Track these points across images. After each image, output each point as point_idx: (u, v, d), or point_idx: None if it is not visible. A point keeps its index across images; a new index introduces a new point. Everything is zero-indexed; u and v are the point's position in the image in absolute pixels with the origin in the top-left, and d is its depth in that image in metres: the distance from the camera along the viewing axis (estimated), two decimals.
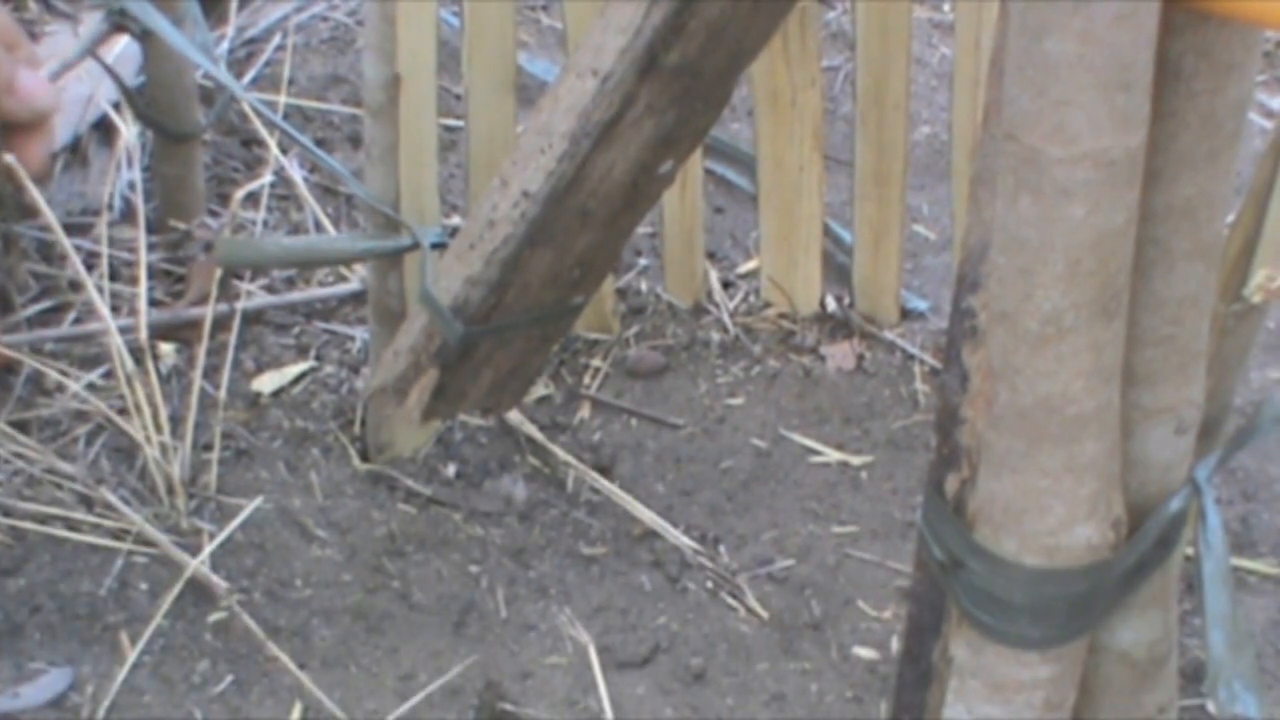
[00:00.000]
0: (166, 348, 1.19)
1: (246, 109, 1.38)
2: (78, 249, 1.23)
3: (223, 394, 1.14)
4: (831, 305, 1.30)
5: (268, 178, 1.34)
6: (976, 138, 0.68)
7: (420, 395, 1.07)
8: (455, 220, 1.28)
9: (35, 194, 0.99)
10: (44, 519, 1.05)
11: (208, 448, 1.11)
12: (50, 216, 1.02)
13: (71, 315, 1.21)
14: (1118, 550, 0.69)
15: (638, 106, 0.93)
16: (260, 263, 1.23)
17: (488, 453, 1.12)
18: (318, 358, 1.21)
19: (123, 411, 1.12)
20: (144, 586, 1.01)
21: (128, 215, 1.26)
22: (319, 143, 1.41)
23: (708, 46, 0.92)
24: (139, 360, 1.09)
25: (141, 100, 1.25)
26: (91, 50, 1.18)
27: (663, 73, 0.91)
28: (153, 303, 1.20)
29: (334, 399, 1.17)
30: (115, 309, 1.18)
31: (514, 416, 1.14)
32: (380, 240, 1.06)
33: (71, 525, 1.05)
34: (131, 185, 1.28)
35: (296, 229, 1.33)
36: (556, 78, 0.97)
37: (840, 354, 1.26)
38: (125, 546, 1.03)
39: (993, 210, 0.63)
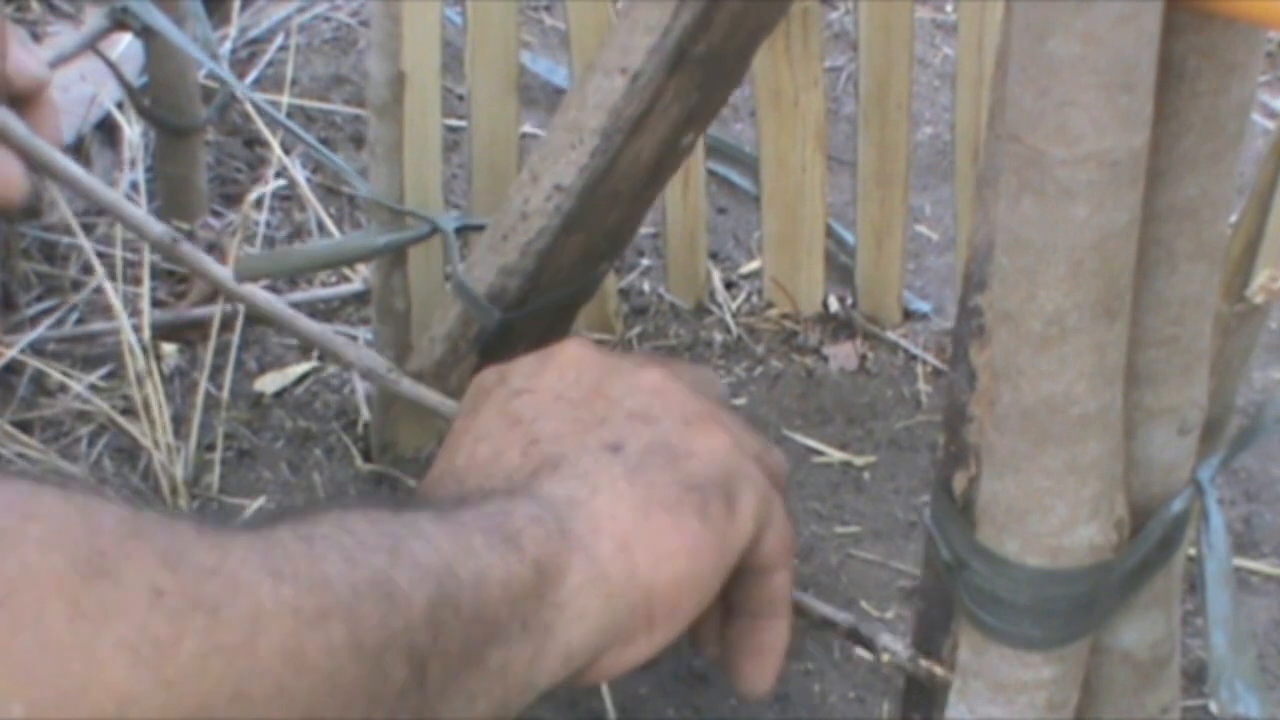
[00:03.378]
0: (169, 348, 1.19)
1: (249, 109, 1.38)
2: (81, 249, 1.23)
3: (225, 394, 1.14)
4: (834, 306, 1.30)
5: (274, 182, 1.34)
6: (980, 138, 0.68)
7: (461, 378, 1.08)
8: None
9: (62, 160, 0.99)
10: None
11: (210, 448, 1.11)
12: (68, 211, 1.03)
13: (74, 315, 1.22)
14: (1120, 551, 0.69)
15: (666, 97, 0.94)
16: (280, 274, 1.23)
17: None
18: (320, 358, 1.21)
19: (126, 412, 1.12)
20: None
21: None
22: (322, 143, 1.41)
23: (730, 33, 0.93)
24: (143, 360, 1.09)
25: (143, 97, 1.26)
26: (92, 44, 1.19)
27: (690, 64, 0.92)
28: (155, 303, 1.21)
29: (337, 399, 1.17)
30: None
31: None
32: (399, 233, 1.06)
33: None
34: (134, 185, 1.28)
35: (299, 229, 1.33)
36: (580, 77, 0.98)
37: (843, 354, 1.26)
38: None
39: (998, 210, 0.63)
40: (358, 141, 1.42)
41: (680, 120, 0.96)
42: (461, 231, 1.05)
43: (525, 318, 1.03)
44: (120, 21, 1.18)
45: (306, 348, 1.22)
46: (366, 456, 1.12)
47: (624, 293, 1.29)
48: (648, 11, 0.91)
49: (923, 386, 1.24)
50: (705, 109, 0.97)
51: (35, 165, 1.03)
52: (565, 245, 0.98)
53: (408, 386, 1.02)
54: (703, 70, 0.93)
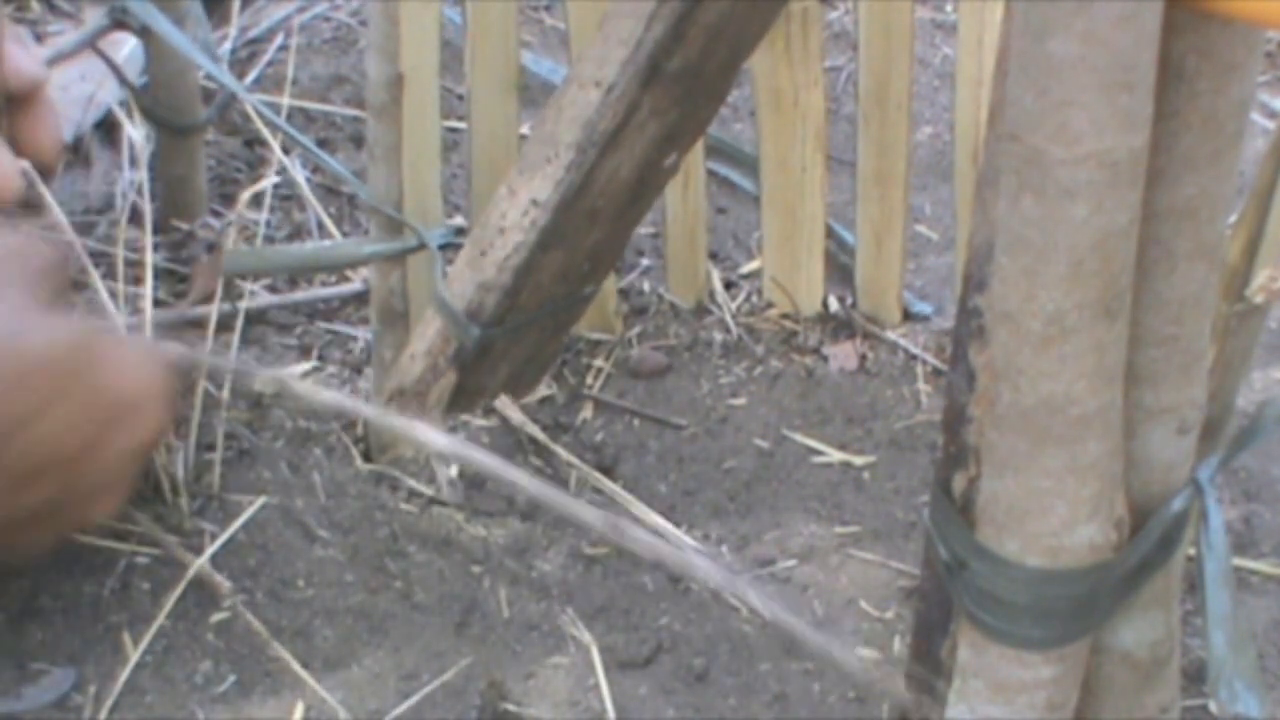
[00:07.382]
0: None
1: (249, 110, 1.38)
2: (82, 248, 1.23)
3: (225, 394, 1.14)
4: (834, 305, 1.30)
5: (271, 180, 1.34)
6: (980, 138, 0.68)
7: (440, 396, 1.08)
8: (458, 220, 1.28)
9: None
10: None
11: (210, 448, 1.11)
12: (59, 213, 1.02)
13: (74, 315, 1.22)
14: (1120, 551, 0.69)
15: (642, 112, 0.93)
16: (265, 272, 1.23)
17: (490, 453, 1.13)
18: (320, 358, 1.21)
19: None
20: (146, 586, 1.01)
21: (130, 215, 1.26)
22: (321, 143, 1.41)
23: (708, 49, 0.92)
24: None
25: (143, 96, 1.26)
26: (92, 43, 1.19)
27: (665, 78, 0.92)
28: (156, 303, 1.20)
29: None
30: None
31: (516, 417, 1.14)
32: (386, 243, 1.06)
33: None
34: (136, 186, 1.28)
35: (299, 229, 1.33)
36: (559, 88, 0.98)
37: (843, 354, 1.26)
38: (128, 547, 1.03)
39: (998, 210, 0.63)
40: (358, 141, 1.42)
41: (660, 138, 0.95)
42: (445, 248, 1.05)
43: (506, 335, 1.02)
44: (120, 21, 1.18)
45: (306, 347, 1.22)
46: (366, 456, 1.12)
47: (624, 293, 1.29)
48: (621, 25, 0.91)
49: (923, 386, 1.24)
50: (687, 127, 0.97)
51: (35, 163, 1.03)
52: (544, 262, 0.98)
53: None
54: (680, 86, 0.93)
